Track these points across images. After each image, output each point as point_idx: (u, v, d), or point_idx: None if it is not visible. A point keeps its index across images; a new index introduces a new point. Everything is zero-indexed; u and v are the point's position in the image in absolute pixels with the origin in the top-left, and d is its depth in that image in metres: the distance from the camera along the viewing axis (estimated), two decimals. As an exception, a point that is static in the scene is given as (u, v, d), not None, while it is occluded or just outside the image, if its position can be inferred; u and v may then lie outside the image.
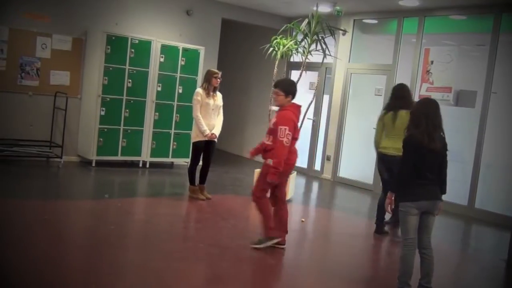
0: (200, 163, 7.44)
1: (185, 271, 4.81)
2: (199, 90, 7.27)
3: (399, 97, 6.49)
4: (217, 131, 7.34)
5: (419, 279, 4.47)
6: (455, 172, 8.49)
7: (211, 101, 7.19)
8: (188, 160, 9.51)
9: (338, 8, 9.26)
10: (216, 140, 7.36)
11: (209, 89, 7.19)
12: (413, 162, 4.31)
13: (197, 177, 7.43)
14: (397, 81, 9.57)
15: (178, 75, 9.63)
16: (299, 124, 5.63)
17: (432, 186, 4.40)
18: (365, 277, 4.87)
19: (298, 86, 8.25)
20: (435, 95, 8.57)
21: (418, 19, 9.27)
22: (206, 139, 7.18)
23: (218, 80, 7.23)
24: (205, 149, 7.31)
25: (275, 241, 5.43)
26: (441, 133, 4.41)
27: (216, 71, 7.33)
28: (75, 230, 5.71)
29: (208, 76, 7.24)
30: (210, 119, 7.21)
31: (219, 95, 7.36)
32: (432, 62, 9.03)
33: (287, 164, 5.36)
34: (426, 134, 4.29)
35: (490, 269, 5.86)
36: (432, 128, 4.31)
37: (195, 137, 7.27)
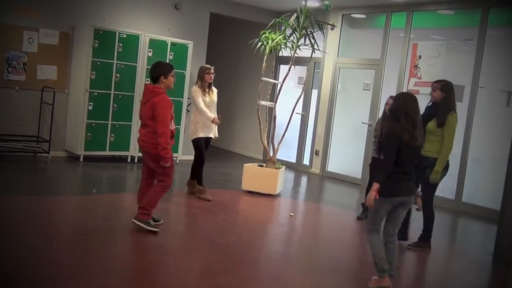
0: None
1: (175, 265, 4.81)
2: (195, 87, 7.17)
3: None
4: (216, 132, 7.34)
5: None
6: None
7: (207, 98, 7.11)
8: (177, 155, 9.50)
9: (326, 2, 9.25)
10: (213, 137, 7.33)
11: (204, 86, 7.12)
12: (395, 155, 4.35)
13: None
14: (385, 75, 9.63)
15: (166, 69, 9.58)
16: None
17: (408, 182, 4.47)
18: (353, 271, 4.90)
19: (287, 81, 8.32)
20: (423, 90, 8.62)
21: (406, 14, 9.30)
22: (203, 135, 7.11)
23: (211, 75, 7.16)
24: None
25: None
26: (421, 128, 4.48)
27: (208, 66, 7.25)
28: (63, 225, 5.68)
29: (201, 73, 7.16)
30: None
31: (215, 91, 7.29)
32: (420, 56, 9.07)
33: (138, 142, 5.63)
34: (407, 131, 4.35)
35: (478, 262, 5.92)
36: (412, 124, 4.37)
37: (193, 134, 7.16)
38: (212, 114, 7.20)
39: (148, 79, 9.14)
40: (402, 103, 4.46)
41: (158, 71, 5.44)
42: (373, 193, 4.42)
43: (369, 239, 4.55)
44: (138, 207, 5.53)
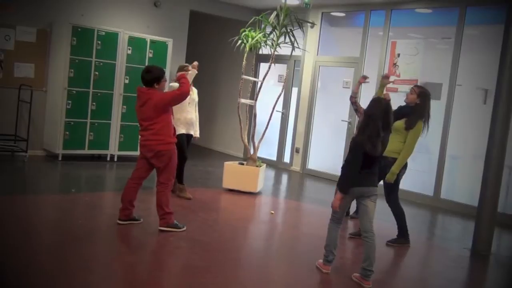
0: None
1: (156, 264, 4.79)
2: (173, 84, 7.12)
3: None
4: (197, 132, 7.31)
5: (362, 262, 4.65)
6: (421, 163, 8.68)
7: None
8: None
9: (306, 0, 9.30)
10: (194, 135, 7.29)
11: None
12: (360, 162, 4.53)
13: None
14: (365, 73, 9.66)
15: (146, 67, 9.52)
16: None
17: (369, 175, 4.63)
18: (335, 267, 4.93)
19: (267, 79, 8.33)
20: (401, 88, 8.70)
21: (385, 12, 9.37)
22: (185, 132, 7.07)
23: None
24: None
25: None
26: (387, 133, 4.65)
27: (186, 64, 7.23)
28: (42, 225, 5.61)
29: (179, 71, 7.12)
30: (187, 113, 7.08)
31: (195, 91, 7.27)
32: (398, 55, 9.15)
33: (141, 145, 5.57)
34: (369, 140, 4.48)
35: (456, 257, 5.99)
36: (376, 134, 4.49)
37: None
38: (193, 111, 7.19)
39: (128, 77, 9.24)
40: (374, 109, 4.59)
41: (151, 76, 5.45)
42: (337, 202, 4.63)
43: (328, 226, 4.86)
44: (160, 214, 5.54)
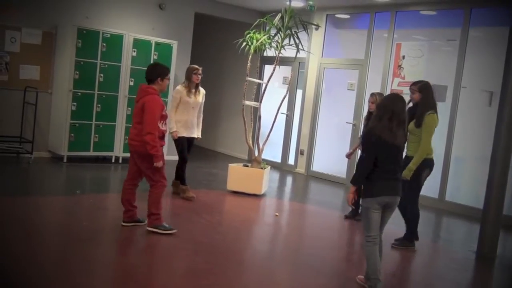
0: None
1: (159, 266, 4.80)
2: (178, 87, 7.15)
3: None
4: (199, 133, 7.32)
5: (367, 266, 4.55)
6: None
7: (191, 99, 7.07)
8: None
9: (311, 2, 9.30)
10: (196, 138, 7.31)
11: (190, 86, 7.09)
12: (374, 155, 4.35)
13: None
14: (370, 75, 9.68)
15: (150, 69, 9.54)
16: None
17: (395, 181, 4.44)
18: (339, 270, 4.92)
19: (272, 81, 8.33)
20: (406, 90, 8.63)
21: (390, 14, 9.36)
22: (186, 135, 7.09)
23: (199, 76, 7.13)
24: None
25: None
26: (404, 129, 4.50)
27: (196, 66, 7.20)
28: (46, 226, 5.62)
29: (188, 73, 7.13)
30: (189, 116, 7.11)
31: (202, 92, 7.26)
32: (403, 57, 9.13)
33: (128, 143, 5.54)
34: (388, 129, 4.33)
35: (461, 260, 5.98)
36: (397, 124, 4.36)
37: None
38: (196, 114, 7.20)
39: (133, 79, 9.26)
40: (391, 102, 4.45)
41: (156, 72, 5.46)
42: (351, 195, 4.48)
43: (366, 250, 4.47)
44: (147, 214, 5.52)
